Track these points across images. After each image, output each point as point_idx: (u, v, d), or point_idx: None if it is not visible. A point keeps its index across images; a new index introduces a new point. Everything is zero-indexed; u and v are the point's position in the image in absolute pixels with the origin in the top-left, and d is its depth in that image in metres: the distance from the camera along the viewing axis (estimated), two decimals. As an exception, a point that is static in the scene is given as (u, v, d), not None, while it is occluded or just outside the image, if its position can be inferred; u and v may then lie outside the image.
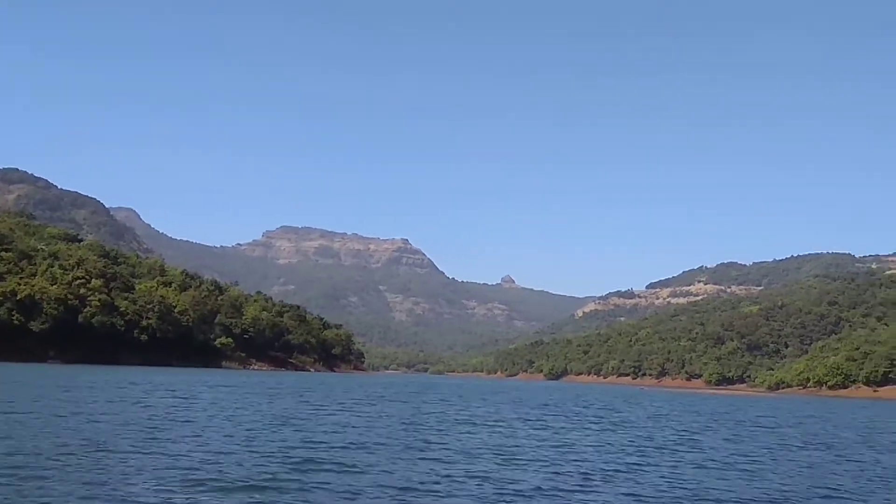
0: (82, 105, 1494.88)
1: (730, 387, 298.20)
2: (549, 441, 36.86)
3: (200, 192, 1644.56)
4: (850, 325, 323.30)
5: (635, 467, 28.61)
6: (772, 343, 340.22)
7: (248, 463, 24.71)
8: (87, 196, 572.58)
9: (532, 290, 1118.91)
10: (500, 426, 44.82)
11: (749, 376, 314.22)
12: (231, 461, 24.85)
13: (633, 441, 38.86)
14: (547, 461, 28.98)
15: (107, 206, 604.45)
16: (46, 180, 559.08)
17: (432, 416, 50.53)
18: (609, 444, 36.97)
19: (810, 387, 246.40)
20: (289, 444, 29.75)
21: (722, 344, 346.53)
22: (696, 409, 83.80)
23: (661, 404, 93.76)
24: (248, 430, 35.20)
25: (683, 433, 46.50)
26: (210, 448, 27.72)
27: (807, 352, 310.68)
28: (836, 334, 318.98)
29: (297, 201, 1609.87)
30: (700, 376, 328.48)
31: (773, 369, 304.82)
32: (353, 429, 38.13)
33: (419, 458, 27.79)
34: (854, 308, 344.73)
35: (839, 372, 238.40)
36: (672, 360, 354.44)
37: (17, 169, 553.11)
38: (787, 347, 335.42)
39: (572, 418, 56.50)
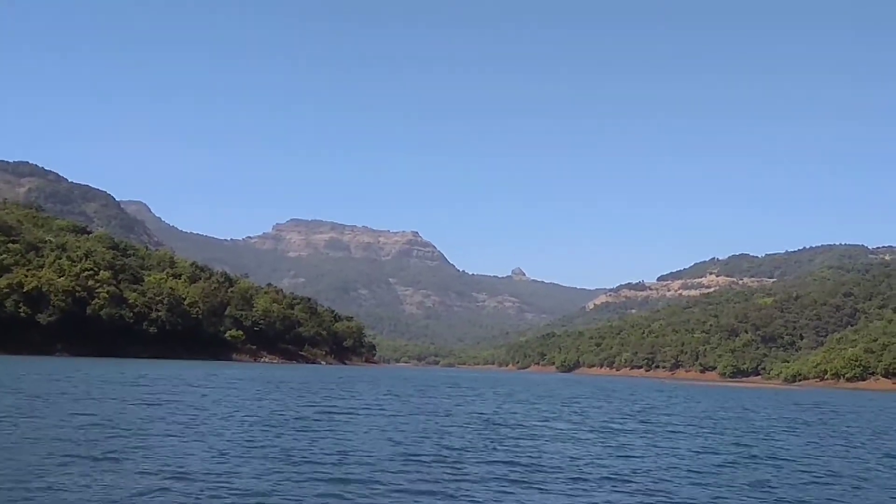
0: (92, 98, 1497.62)
1: (745, 379, 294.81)
2: (637, 452, 31.78)
3: (211, 185, 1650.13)
4: (867, 317, 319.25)
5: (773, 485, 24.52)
6: (787, 335, 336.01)
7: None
8: (97, 189, 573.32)
9: (542, 282, 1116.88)
10: (566, 430, 40.02)
11: (764, 369, 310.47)
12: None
13: (726, 449, 34.27)
14: (661, 480, 24.57)
15: (117, 199, 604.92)
16: (57, 173, 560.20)
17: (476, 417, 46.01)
18: (710, 454, 32.22)
19: (828, 379, 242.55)
20: (334, 460, 25.38)
21: (736, 336, 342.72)
22: (738, 405, 79.39)
23: (701, 400, 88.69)
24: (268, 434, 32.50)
25: (765, 434, 42.65)
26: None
27: (822, 344, 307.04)
28: (852, 326, 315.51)
29: (307, 194, 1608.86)
30: (714, 369, 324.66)
31: (788, 361, 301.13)
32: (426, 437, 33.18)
33: (511, 482, 22.94)
34: (870, 299, 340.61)
35: (857, 364, 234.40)
36: (686, 353, 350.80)
37: (28, 162, 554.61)
38: (802, 339, 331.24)
39: (629, 419, 50.76)
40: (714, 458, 30.25)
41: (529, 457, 28.00)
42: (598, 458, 28.68)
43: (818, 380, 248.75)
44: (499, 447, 30.47)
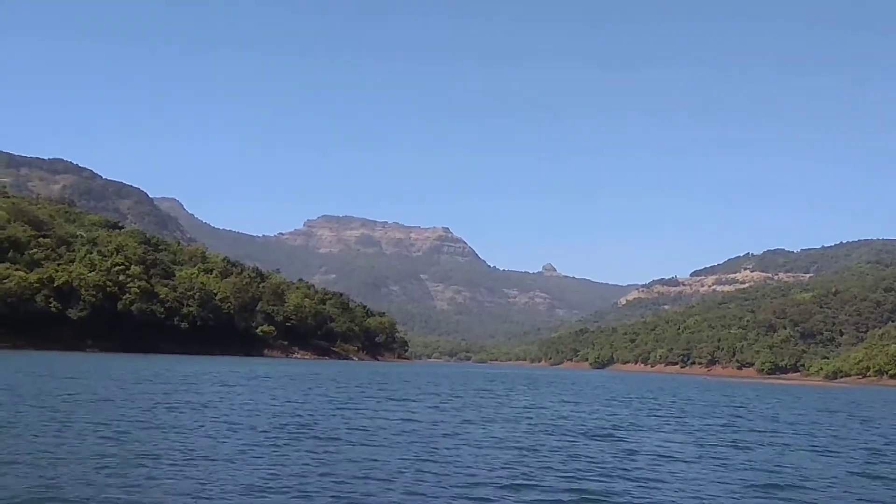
0: (125, 94, 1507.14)
1: (783, 376, 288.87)
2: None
3: (243, 182, 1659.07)
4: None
5: None
6: (826, 331, 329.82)
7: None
8: (131, 186, 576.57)
9: (574, 278, 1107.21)
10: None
11: (803, 365, 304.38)
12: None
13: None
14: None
15: (151, 196, 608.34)
16: (91, 170, 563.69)
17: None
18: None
19: (870, 376, 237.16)
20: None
21: (774, 332, 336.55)
22: (827, 407, 73.75)
23: (781, 400, 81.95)
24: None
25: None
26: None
27: (863, 340, 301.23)
28: (893, 322, 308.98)
29: (338, 190, 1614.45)
30: (752, 365, 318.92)
31: (827, 358, 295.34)
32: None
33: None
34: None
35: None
36: (722, 349, 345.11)
37: (63, 159, 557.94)
38: (842, 335, 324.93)
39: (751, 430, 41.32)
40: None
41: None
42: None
43: (860, 377, 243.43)
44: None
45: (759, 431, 39.73)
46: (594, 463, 25.21)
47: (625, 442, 31.93)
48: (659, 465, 25.61)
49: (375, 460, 23.48)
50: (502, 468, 23.17)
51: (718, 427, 41.59)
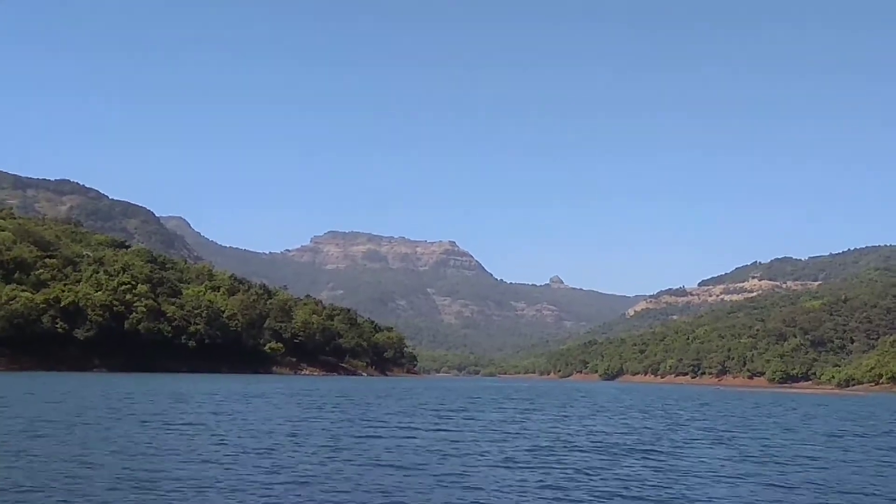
0: (129, 113, 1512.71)
1: (795, 385, 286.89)
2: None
3: (249, 199, 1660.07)
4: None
5: None
6: (837, 339, 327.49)
7: None
8: (137, 205, 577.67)
9: (581, 289, 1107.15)
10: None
11: (814, 373, 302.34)
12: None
13: None
14: None
15: (157, 215, 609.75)
16: (97, 191, 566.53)
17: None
18: None
19: (883, 383, 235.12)
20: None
21: (784, 340, 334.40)
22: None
23: (797, 409, 79.67)
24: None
25: None
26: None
27: (874, 347, 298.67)
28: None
29: (344, 206, 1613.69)
30: (762, 374, 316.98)
31: (839, 366, 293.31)
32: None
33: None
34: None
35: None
36: (732, 358, 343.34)
37: (69, 180, 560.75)
38: (853, 343, 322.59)
39: None
40: None
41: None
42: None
43: (872, 384, 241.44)
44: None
45: (797, 444, 38.11)
46: (639, 483, 23.89)
47: (665, 459, 30.16)
48: (706, 485, 24.02)
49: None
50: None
51: (757, 441, 39.54)
